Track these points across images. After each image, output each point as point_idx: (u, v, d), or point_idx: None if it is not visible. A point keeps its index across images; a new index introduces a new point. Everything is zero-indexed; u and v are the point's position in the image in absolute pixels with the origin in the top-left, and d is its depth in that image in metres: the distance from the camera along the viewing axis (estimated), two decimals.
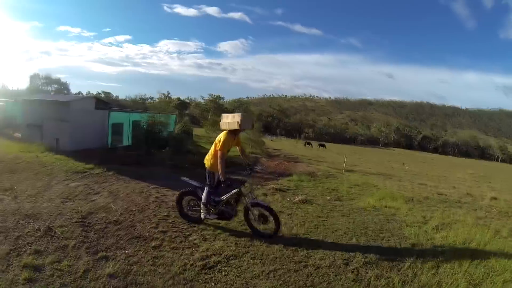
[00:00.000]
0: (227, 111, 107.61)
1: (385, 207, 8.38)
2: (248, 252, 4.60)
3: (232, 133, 5.42)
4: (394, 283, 4.01)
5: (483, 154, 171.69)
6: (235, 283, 3.81)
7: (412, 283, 4.10)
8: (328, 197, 8.96)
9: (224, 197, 5.46)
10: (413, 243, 5.66)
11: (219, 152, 5.21)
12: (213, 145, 5.46)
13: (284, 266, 4.22)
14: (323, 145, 52.75)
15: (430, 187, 14.98)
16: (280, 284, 3.81)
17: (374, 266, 4.46)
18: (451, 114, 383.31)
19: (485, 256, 5.24)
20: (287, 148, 36.70)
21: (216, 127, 38.39)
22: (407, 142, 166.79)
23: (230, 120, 5.41)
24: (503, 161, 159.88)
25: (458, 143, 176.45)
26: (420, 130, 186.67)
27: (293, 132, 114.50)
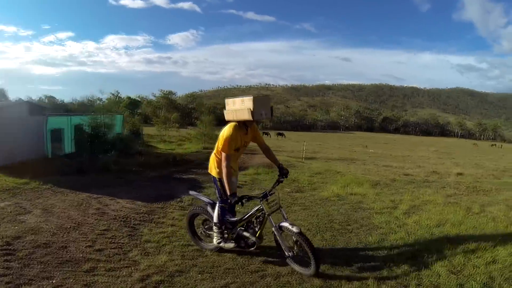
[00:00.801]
0: (180, 106, 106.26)
1: (351, 194, 8.06)
2: (196, 265, 3.97)
3: (242, 125, 4.11)
4: (368, 284, 3.51)
5: (443, 131, 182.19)
6: None
7: (389, 280, 3.66)
8: (288, 189, 8.47)
9: (244, 217, 4.19)
10: (385, 232, 5.29)
11: (222, 154, 3.99)
12: (216, 144, 4.20)
13: (237, 279, 3.63)
14: (281, 134, 53.18)
15: (395, 168, 15.09)
16: None
17: (344, 266, 3.97)
18: (410, 94, 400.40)
19: (462, 237, 5.01)
20: None
21: (168, 124, 37.32)
22: (368, 125, 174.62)
23: (238, 107, 4.03)
24: (462, 136, 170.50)
25: (418, 122, 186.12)
26: (380, 112, 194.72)
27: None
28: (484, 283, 3.61)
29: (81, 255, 4.16)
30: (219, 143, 4.05)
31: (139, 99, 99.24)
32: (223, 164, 3.91)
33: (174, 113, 60.52)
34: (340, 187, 8.69)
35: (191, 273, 3.76)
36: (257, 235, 4.06)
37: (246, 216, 4.14)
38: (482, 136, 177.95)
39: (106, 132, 14.57)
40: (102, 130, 14.45)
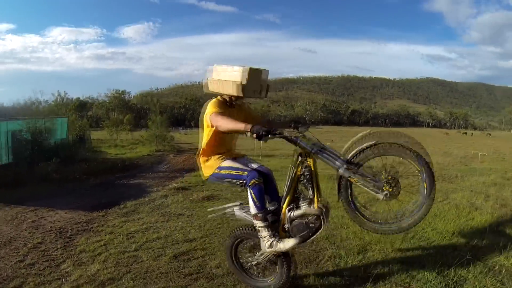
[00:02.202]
0: (135, 107, 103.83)
1: None
2: (129, 272, 4.01)
3: (226, 102, 3.35)
4: (309, 281, 3.69)
5: (414, 122, 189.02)
6: None
7: (333, 276, 3.82)
8: (239, 189, 8.58)
9: (283, 194, 3.16)
10: (336, 227, 5.44)
11: (212, 115, 3.05)
12: (201, 125, 3.34)
13: (170, 283, 3.72)
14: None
15: None
16: None
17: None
18: (380, 86, 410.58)
19: (420, 226, 5.13)
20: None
21: (120, 127, 36.40)
22: (335, 119, 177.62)
23: (226, 77, 3.18)
24: (433, 126, 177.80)
25: (388, 114, 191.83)
26: (348, 105, 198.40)
27: None
28: (438, 272, 3.75)
29: (10, 272, 4.13)
30: (205, 123, 3.22)
31: (90, 100, 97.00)
32: (217, 118, 3.01)
33: (127, 114, 59.56)
34: None
35: (123, 280, 3.82)
36: (316, 203, 3.02)
37: (286, 189, 3.13)
38: (453, 125, 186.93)
39: (47, 138, 14.21)
40: (43, 135, 14.07)
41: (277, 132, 2.77)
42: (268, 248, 3.06)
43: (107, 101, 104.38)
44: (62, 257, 4.52)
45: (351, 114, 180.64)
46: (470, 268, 3.81)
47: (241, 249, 3.61)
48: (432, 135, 57.59)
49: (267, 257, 3.30)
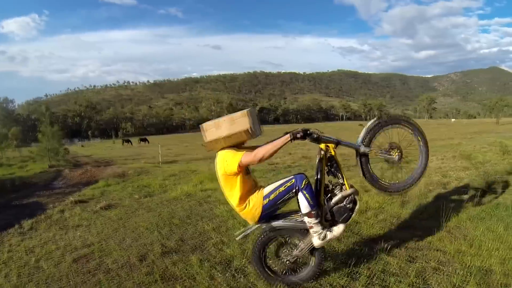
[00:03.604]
0: (21, 118, 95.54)
1: (201, 191, 9.06)
2: (32, 281, 4.48)
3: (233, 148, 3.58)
4: (191, 262, 4.41)
5: (327, 116, 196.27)
6: None
7: (214, 258, 4.51)
8: (137, 196, 9.27)
9: (316, 186, 3.61)
10: (224, 220, 6.24)
11: (245, 159, 3.31)
12: (224, 189, 3.56)
13: (71, 282, 4.31)
14: (144, 140, 53.21)
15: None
16: None
17: (173, 253, 4.84)
18: (289, 81, 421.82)
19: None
20: (101, 152, 35.70)
21: (4, 143, 33.86)
22: None
23: (229, 131, 3.44)
24: (348, 119, 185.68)
25: (299, 109, 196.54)
26: (256, 102, 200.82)
27: (108, 130, 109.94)
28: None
29: None
30: (230, 173, 3.41)
31: None
32: (252, 154, 3.33)
33: (13, 127, 55.44)
34: (192, 185, 9.69)
35: (27, 287, 4.36)
36: (347, 186, 3.61)
37: (317, 181, 3.61)
38: (368, 117, 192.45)
39: None
40: None
41: (311, 132, 3.41)
42: (322, 240, 3.47)
43: None
44: None
45: (259, 112, 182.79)
46: None
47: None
48: (348, 128, 61.07)
49: (305, 252, 3.65)
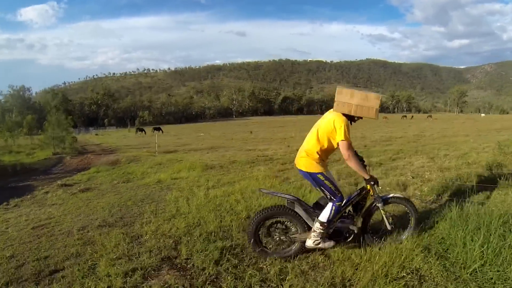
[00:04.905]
0: (38, 106, 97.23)
1: (174, 178, 10.24)
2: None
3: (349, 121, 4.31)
4: (112, 234, 5.38)
5: None
6: None
7: (132, 233, 5.48)
8: (116, 181, 10.57)
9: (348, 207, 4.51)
10: (167, 204, 7.27)
11: (343, 144, 4.11)
12: (313, 134, 4.33)
13: (21, 241, 5.46)
14: (158, 129, 53.99)
15: (258, 150, 17.30)
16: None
17: (106, 227, 5.93)
18: (316, 69, 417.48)
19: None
20: (112, 141, 37.05)
21: (16, 131, 35.93)
22: (265, 108, 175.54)
23: (360, 103, 4.22)
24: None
25: (324, 99, 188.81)
26: (279, 92, 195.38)
27: (126, 119, 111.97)
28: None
29: None
30: (335, 133, 4.13)
31: None
32: (349, 153, 4.10)
33: (28, 115, 57.45)
34: (169, 174, 10.89)
35: None
36: (357, 223, 4.47)
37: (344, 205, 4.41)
38: (396, 109, 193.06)
39: None
40: None
41: (372, 182, 4.29)
42: (314, 244, 4.26)
43: (2, 100, 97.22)
44: None
45: (282, 101, 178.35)
46: None
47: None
48: (372, 122, 59.24)
49: (294, 240, 4.44)
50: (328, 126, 4.15)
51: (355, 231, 4.35)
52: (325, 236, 4.29)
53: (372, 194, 4.34)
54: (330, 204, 4.23)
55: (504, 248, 3.90)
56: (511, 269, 3.64)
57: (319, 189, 4.32)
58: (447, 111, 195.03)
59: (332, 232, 4.37)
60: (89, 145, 32.08)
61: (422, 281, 3.64)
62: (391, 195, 4.56)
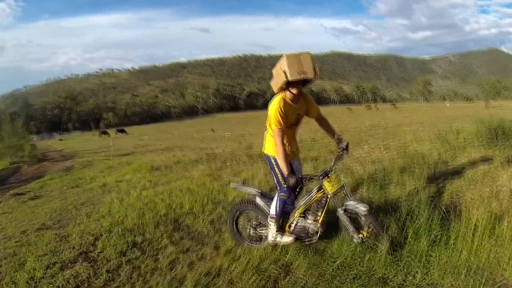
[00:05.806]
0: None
1: (118, 181, 10.93)
2: None
3: (294, 97, 4.13)
4: (46, 235, 6.06)
5: (318, 99, 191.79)
6: None
7: (63, 233, 6.17)
8: (65, 187, 11.25)
9: (300, 203, 4.37)
10: (103, 206, 7.92)
11: (275, 131, 4.04)
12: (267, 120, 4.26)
13: None
14: (122, 131, 54.00)
15: (209, 149, 17.56)
16: None
17: (44, 229, 6.54)
18: None
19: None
20: (75, 146, 37.13)
21: None
22: (230, 104, 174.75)
23: (275, 72, 4.06)
24: (340, 102, 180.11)
25: None
26: (243, 87, 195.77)
27: (90, 122, 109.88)
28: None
29: None
30: (268, 118, 4.10)
31: None
32: (276, 141, 4.02)
33: None
34: (115, 177, 11.63)
35: None
36: (319, 222, 4.22)
37: (303, 202, 4.32)
38: (361, 100, 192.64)
39: None
40: None
41: (305, 181, 4.20)
42: (272, 239, 4.34)
43: None
44: None
45: (247, 97, 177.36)
46: None
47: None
48: (334, 114, 59.05)
49: (265, 233, 4.58)
50: (268, 113, 4.09)
51: (317, 230, 4.22)
52: (283, 231, 4.37)
53: (327, 194, 4.15)
54: (276, 195, 4.30)
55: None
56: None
57: (271, 173, 4.42)
58: (413, 100, 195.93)
59: (295, 228, 4.37)
60: (50, 151, 31.96)
61: (289, 273, 4.06)
62: (350, 203, 4.17)
